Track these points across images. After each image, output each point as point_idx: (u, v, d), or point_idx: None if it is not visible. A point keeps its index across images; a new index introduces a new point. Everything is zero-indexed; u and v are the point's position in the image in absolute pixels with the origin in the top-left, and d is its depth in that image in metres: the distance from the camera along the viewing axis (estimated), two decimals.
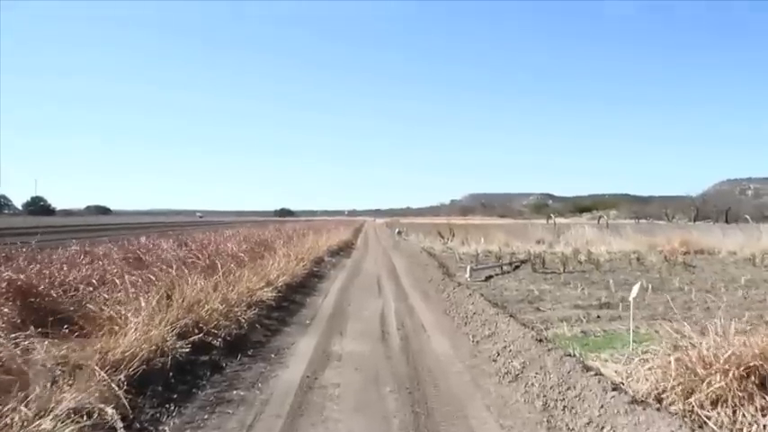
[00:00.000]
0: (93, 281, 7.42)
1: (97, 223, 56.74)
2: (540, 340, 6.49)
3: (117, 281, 7.34)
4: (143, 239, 15.49)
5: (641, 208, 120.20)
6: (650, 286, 12.13)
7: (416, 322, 8.81)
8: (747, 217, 40.21)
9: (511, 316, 8.00)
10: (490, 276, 14.92)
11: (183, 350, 5.96)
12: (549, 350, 5.96)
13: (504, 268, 16.91)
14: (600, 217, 46.00)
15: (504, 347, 6.68)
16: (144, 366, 5.14)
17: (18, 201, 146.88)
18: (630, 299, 6.62)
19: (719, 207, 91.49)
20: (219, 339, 6.77)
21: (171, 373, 5.35)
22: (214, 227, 42.55)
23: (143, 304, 6.49)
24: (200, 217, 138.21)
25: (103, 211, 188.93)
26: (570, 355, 5.70)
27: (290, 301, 10.54)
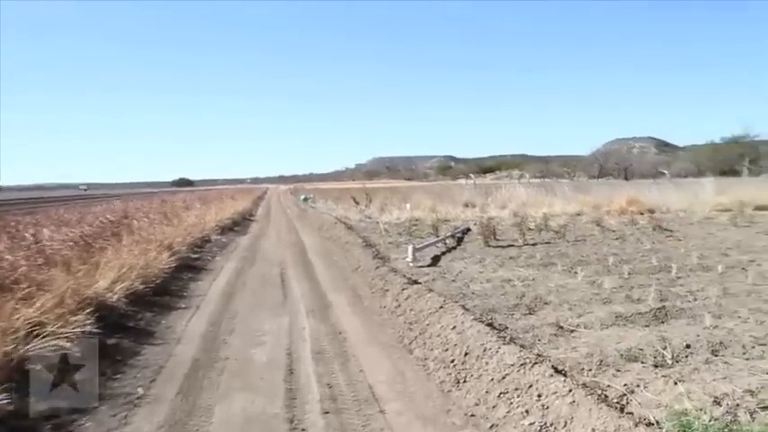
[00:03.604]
0: None
1: None
2: None
3: None
4: None
5: (544, 167, 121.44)
6: (674, 267, 8.58)
7: (359, 384, 4.45)
8: (665, 171, 38.89)
9: (562, 373, 3.89)
10: (437, 257, 10.93)
11: None
12: None
13: (448, 242, 13.03)
14: (521, 176, 43.54)
15: None
16: None
17: None
18: None
19: (621, 164, 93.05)
20: None
21: None
22: (90, 202, 36.51)
23: None
24: (85, 190, 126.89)
25: None
26: None
27: (125, 332, 5.97)
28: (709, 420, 3.36)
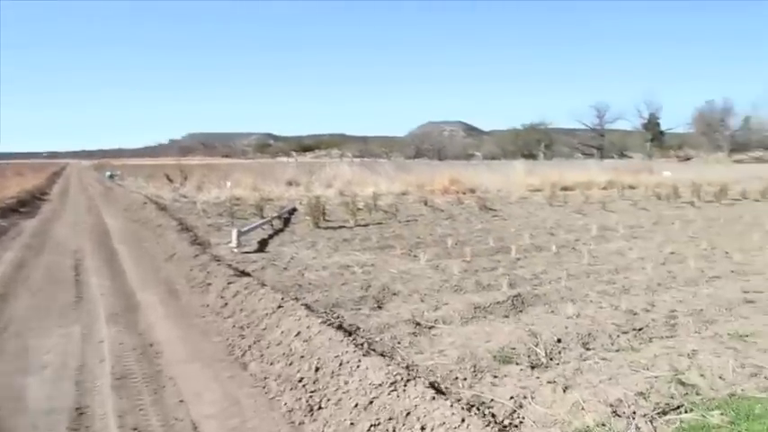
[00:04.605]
0: None
1: None
2: None
3: None
4: None
5: (363, 147, 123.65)
6: (513, 248, 8.45)
7: (179, 424, 3.23)
8: (477, 153, 41.20)
9: (442, 393, 3.15)
10: (265, 241, 9.91)
11: None
12: None
13: (275, 224, 12.03)
14: (341, 155, 43.51)
15: None
16: None
17: None
18: None
19: (435, 146, 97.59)
20: None
21: None
22: None
23: None
24: None
25: None
26: None
27: None
28: None
